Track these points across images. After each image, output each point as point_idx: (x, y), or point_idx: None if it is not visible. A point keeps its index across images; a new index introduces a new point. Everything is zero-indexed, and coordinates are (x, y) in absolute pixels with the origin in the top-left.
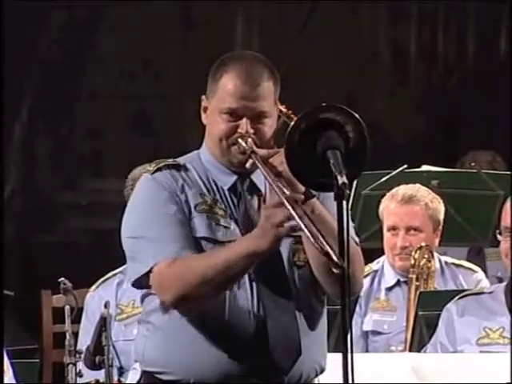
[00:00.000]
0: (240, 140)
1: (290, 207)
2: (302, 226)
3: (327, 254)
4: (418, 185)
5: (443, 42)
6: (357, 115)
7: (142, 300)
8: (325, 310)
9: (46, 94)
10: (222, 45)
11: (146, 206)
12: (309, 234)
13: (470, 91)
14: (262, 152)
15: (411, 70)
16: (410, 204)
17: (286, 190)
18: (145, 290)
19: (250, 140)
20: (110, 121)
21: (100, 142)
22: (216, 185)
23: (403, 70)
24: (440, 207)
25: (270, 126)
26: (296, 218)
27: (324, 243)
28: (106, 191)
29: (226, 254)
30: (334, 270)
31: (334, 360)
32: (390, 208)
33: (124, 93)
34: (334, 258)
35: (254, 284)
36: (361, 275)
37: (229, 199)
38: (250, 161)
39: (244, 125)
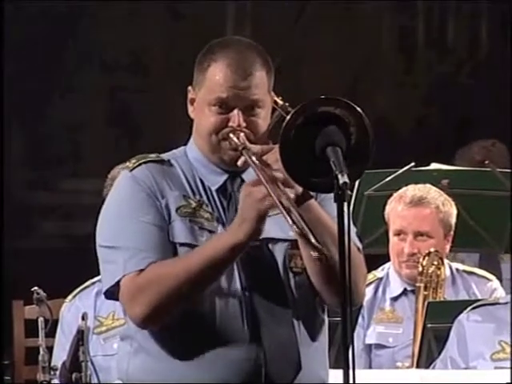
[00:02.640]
0: (231, 135)
1: (267, 185)
2: (278, 204)
3: (305, 236)
4: (428, 185)
5: (454, 29)
6: (359, 109)
7: (125, 313)
8: (326, 319)
9: (19, 87)
10: (212, 35)
11: (120, 210)
12: (285, 213)
13: (483, 82)
14: (256, 148)
15: (419, 61)
16: (419, 206)
17: (268, 171)
18: None
19: (242, 135)
20: (88, 116)
21: (78, 139)
22: (203, 185)
23: (411, 60)
24: (452, 210)
25: (263, 118)
26: (273, 195)
27: (303, 224)
28: (83, 192)
29: (203, 251)
30: (313, 254)
31: (334, 377)
32: (397, 210)
33: (104, 86)
34: (313, 239)
35: (247, 293)
36: (363, 284)
37: (217, 201)
38: (242, 158)
39: (235, 117)
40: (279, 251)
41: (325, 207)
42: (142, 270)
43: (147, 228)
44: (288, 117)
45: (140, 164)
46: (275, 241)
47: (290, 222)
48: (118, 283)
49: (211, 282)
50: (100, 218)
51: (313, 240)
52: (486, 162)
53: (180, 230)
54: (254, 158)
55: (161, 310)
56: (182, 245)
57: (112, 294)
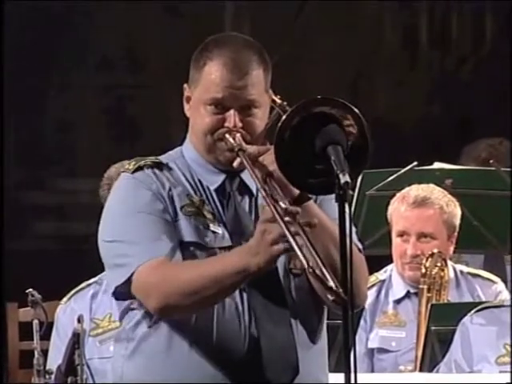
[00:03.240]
0: (227, 135)
1: (282, 224)
2: (295, 247)
3: (321, 280)
4: (432, 185)
5: (457, 27)
6: (356, 109)
7: (122, 316)
8: (325, 322)
9: (13, 84)
10: (210, 32)
11: (125, 205)
12: (302, 258)
13: (486, 80)
14: (252, 149)
15: (422, 59)
16: (422, 207)
17: (282, 204)
18: (125, 305)
19: (238, 135)
20: (84, 114)
21: (73, 137)
22: (202, 185)
23: (413, 59)
24: (456, 211)
25: (260, 119)
26: (289, 237)
27: (321, 266)
28: (79, 192)
29: (215, 267)
30: (329, 297)
31: (335, 381)
32: (400, 211)
33: (100, 83)
34: (331, 283)
35: (245, 295)
36: (364, 286)
37: (216, 201)
38: (238, 160)
39: (231, 117)
40: None
41: (324, 209)
42: (154, 262)
43: (154, 220)
44: (283, 117)
45: (140, 166)
46: None
47: (306, 265)
48: (129, 279)
49: (221, 295)
50: (103, 216)
51: (331, 284)
52: (491, 161)
53: (186, 229)
54: (249, 161)
55: (173, 306)
56: (189, 243)
57: (123, 293)
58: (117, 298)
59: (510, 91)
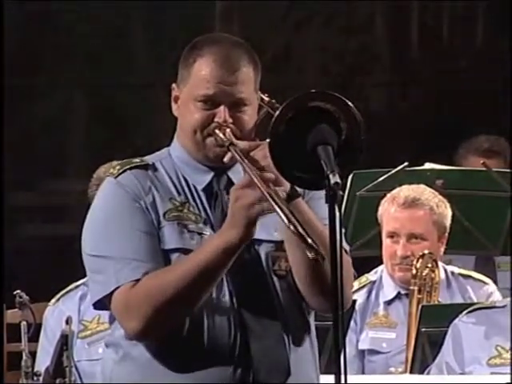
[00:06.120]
0: (217, 131)
1: (260, 186)
2: (274, 206)
3: (301, 236)
4: (422, 186)
5: (449, 23)
6: (350, 103)
7: (112, 320)
8: (313, 322)
9: (1, 84)
10: (198, 30)
11: (107, 218)
12: (281, 214)
13: (479, 78)
14: (243, 144)
15: (412, 55)
16: (413, 208)
17: (258, 172)
18: None
19: (228, 131)
20: (72, 112)
21: (61, 137)
22: (188, 185)
23: (403, 56)
24: (446, 212)
25: (250, 116)
26: (267, 196)
27: (297, 224)
28: (67, 193)
29: (196, 258)
30: (309, 254)
31: (325, 383)
32: (390, 212)
33: (88, 83)
34: (309, 240)
35: (234, 299)
36: (349, 288)
37: (204, 200)
38: (229, 154)
39: (222, 113)
40: (263, 253)
41: (312, 207)
42: (134, 281)
43: (137, 235)
44: (278, 111)
45: (125, 170)
46: (260, 242)
47: (286, 221)
48: (108, 294)
49: (206, 289)
50: (86, 226)
51: (309, 240)
52: (482, 161)
53: (170, 236)
54: (241, 154)
55: (156, 323)
56: (173, 250)
57: (102, 304)
58: (97, 308)
59: (511, 91)
